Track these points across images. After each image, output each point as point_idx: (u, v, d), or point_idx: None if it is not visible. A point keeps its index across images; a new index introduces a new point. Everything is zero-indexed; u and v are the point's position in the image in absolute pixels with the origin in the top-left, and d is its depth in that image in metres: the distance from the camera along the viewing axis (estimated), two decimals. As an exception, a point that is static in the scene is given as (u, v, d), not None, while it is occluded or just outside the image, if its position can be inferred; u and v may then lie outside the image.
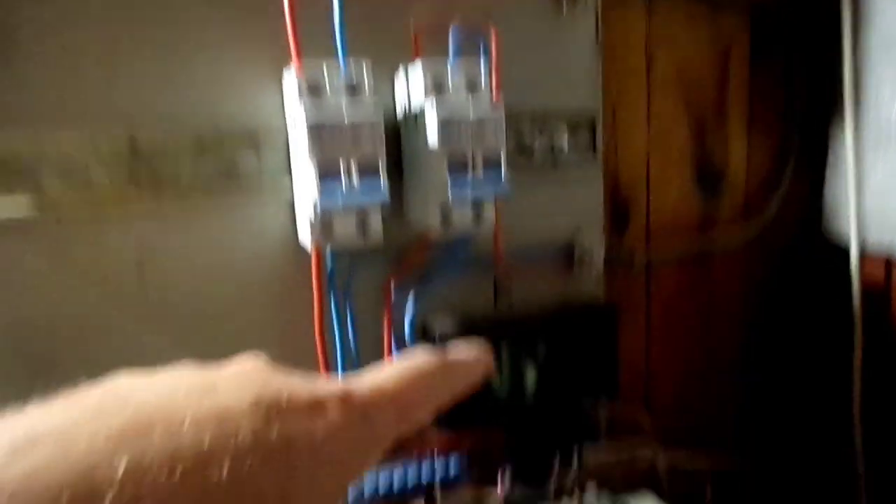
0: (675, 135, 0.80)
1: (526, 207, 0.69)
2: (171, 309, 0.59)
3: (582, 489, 0.65)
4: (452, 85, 0.58)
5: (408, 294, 0.65)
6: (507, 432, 0.67)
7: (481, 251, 0.67)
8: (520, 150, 0.68)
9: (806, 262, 0.87)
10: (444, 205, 0.58)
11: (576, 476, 0.68)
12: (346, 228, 0.54)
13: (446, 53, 0.60)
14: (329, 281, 0.60)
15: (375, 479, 0.60)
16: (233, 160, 0.58)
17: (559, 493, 0.67)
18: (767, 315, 0.88)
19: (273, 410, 0.17)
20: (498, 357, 0.55)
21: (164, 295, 0.58)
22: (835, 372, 0.82)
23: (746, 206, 0.84)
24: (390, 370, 0.21)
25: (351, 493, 0.58)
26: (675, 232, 0.81)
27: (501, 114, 0.57)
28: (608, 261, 0.73)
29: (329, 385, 0.19)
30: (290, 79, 0.54)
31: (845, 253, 0.78)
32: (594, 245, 0.71)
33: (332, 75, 0.53)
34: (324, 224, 0.53)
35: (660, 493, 0.70)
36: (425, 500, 0.64)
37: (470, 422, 0.66)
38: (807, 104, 0.83)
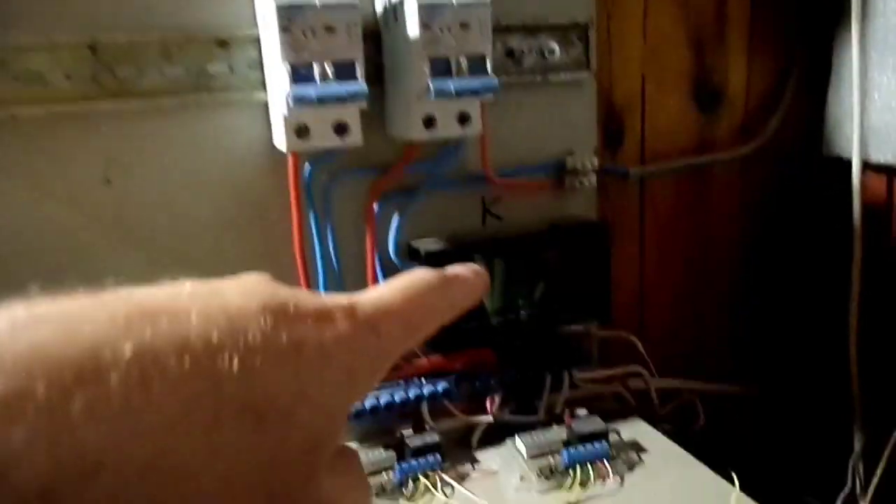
0: (672, 49, 0.76)
1: (515, 123, 0.66)
2: (142, 225, 0.56)
3: (572, 414, 0.63)
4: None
5: (392, 211, 0.62)
6: (497, 355, 0.65)
7: (468, 169, 0.64)
8: (508, 57, 0.64)
9: (805, 182, 0.85)
10: (428, 111, 0.55)
11: (566, 401, 0.67)
12: (322, 129, 0.51)
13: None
14: (307, 192, 0.57)
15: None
16: (201, 62, 0.55)
17: (549, 418, 0.65)
18: (765, 236, 0.86)
19: (281, 315, 0.17)
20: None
21: (134, 212, 0.56)
22: (832, 293, 0.80)
23: (745, 125, 0.81)
24: (394, 285, 0.20)
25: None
26: (671, 151, 0.78)
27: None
28: (601, 176, 0.70)
29: (336, 298, 0.19)
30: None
31: (845, 172, 0.76)
32: (586, 162, 0.68)
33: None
34: (299, 123, 0.50)
35: (652, 420, 0.69)
36: (413, 424, 0.63)
37: (460, 344, 0.65)
38: (810, 17, 0.79)
